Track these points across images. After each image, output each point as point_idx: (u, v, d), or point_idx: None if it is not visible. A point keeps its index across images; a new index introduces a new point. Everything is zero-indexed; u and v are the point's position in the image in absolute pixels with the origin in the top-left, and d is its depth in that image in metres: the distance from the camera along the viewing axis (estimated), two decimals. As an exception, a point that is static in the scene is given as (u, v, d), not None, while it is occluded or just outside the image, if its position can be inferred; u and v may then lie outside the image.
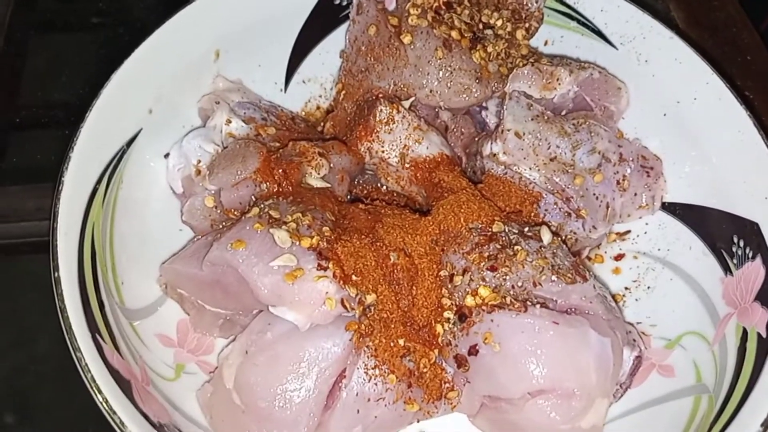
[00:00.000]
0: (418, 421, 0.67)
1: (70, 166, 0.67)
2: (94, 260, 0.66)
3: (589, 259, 0.82)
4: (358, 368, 0.64)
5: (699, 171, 0.79)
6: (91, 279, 0.64)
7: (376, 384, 0.64)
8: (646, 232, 0.82)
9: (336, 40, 0.89)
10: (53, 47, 1.06)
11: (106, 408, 0.56)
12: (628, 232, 0.83)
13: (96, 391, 0.56)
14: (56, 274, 0.61)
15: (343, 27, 0.88)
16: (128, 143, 0.74)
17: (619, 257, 0.82)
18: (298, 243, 0.64)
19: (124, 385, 0.59)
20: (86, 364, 0.57)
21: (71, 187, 0.66)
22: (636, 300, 0.79)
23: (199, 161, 0.75)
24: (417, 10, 0.78)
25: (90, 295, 0.63)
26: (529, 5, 0.84)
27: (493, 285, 0.64)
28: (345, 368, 0.64)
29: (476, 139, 0.83)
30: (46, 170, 0.93)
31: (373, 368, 0.64)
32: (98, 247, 0.67)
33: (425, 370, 0.65)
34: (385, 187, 0.82)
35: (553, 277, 0.64)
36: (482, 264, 0.65)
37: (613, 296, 0.78)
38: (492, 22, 0.81)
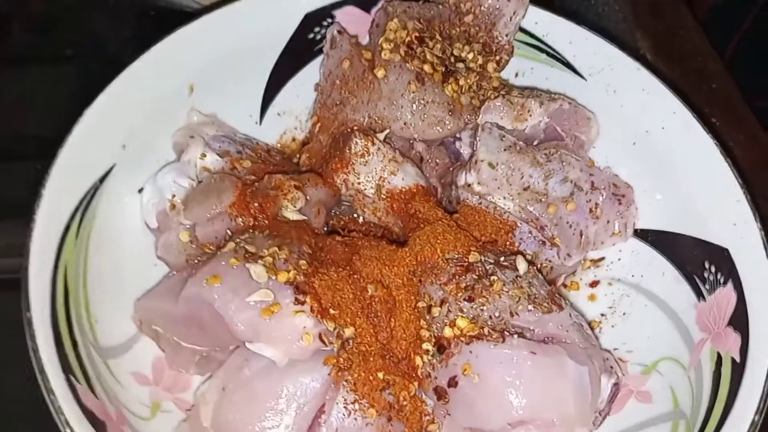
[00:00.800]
0: (399, 455, 0.67)
1: (42, 203, 0.66)
2: (67, 298, 0.65)
3: (565, 286, 0.83)
4: (337, 403, 0.63)
5: (669, 198, 0.81)
6: (64, 318, 0.63)
7: (355, 419, 0.63)
8: (619, 259, 0.83)
9: (310, 73, 0.90)
10: (26, 80, 1.05)
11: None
12: (602, 259, 0.84)
13: (69, 434, 0.55)
14: (28, 315, 0.60)
15: (318, 60, 0.89)
16: (101, 179, 0.73)
17: (594, 284, 0.83)
18: (274, 277, 0.64)
19: (99, 426, 0.58)
20: (59, 406, 0.56)
21: (43, 224, 0.65)
22: (612, 326, 0.80)
23: (174, 196, 0.75)
24: (390, 44, 0.79)
25: (63, 334, 0.62)
26: (500, 38, 0.85)
27: (471, 316, 0.65)
28: (324, 403, 0.63)
29: (451, 169, 0.84)
30: (17, 205, 0.92)
31: (352, 402, 0.64)
32: (71, 285, 0.66)
33: (405, 403, 0.65)
34: (361, 219, 0.82)
35: (530, 307, 0.65)
36: (459, 295, 0.66)
37: (590, 323, 0.79)
38: (463, 55, 0.83)
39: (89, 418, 0.57)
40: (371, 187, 0.78)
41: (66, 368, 0.59)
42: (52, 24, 1.13)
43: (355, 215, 0.82)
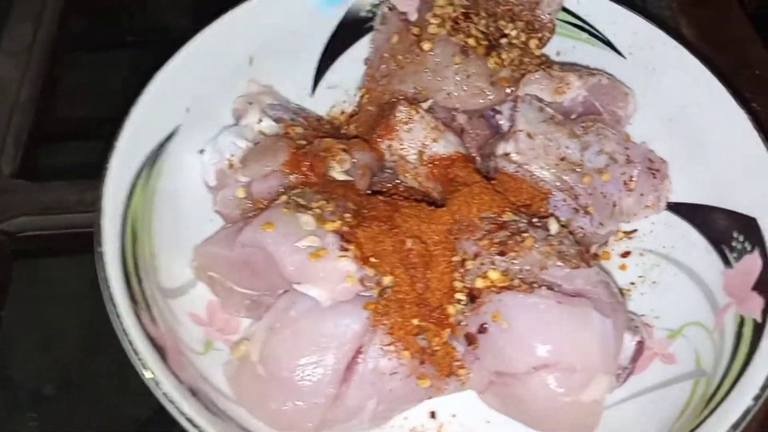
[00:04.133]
0: (429, 398, 0.71)
1: (115, 154, 0.73)
2: (135, 241, 0.72)
3: (597, 256, 0.86)
4: (374, 344, 0.68)
5: (703, 172, 0.83)
6: (131, 256, 0.70)
7: (390, 359, 0.68)
8: (652, 231, 0.86)
9: (359, 50, 0.95)
10: (89, 66, 1.13)
11: (144, 368, 0.61)
12: (635, 230, 0.87)
13: (135, 353, 0.62)
14: (100, 249, 0.67)
15: (366, 38, 0.95)
16: (167, 138, 0.80)
17: (625, 254, 0.86)
18: (321, 226, 0.69)
19: (160, 351, 0.64)
20: (126, 329, 0.62)
21: (116, 173, 0.72)
22: (641, 294, 0.82)
23: (233, 155, 0.81)
24: (437, 19, 0.84)
25: (130, 270, 0.68)
26: (542, 17, 0.89)
27: (502, 268, 0.69)
28: (362, 344, 0.68)
29: (490, 141, 0.88)
30: (85, 169, 1.00)
31: (388, 345, 0.68)
32: (138, 230, 0.73)
33: (437, 348, 0.70)
34: (403, 185, 0.87)
35: (559, 263, 0.69)
36: (492, 249, 0.70)
37: (620, 290, 0.82)
38: (507, 32, 0.87)
39: (151, 342, 0.64)
40: (413, 153, 0.83)
41: (132, 298, 0.66)
42: (113, 12, 1.21)
43: (397, 181, 0.87)
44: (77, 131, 1.08)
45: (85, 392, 0.82)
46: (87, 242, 0.90)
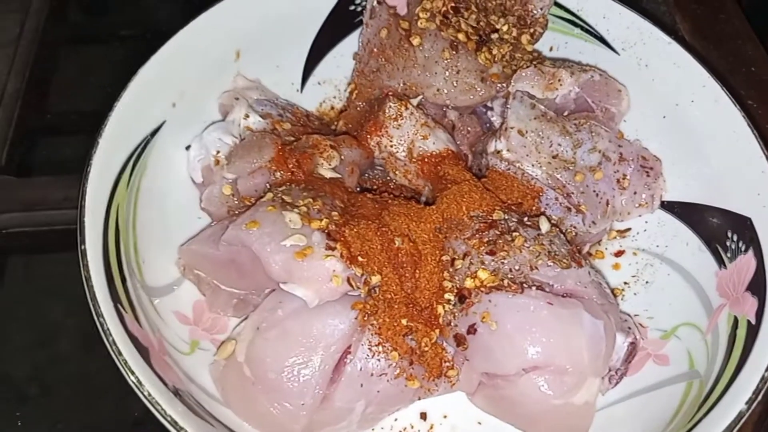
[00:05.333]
0: (419, 399, 0.70)
1: (98, 150, 0.72)
2: (118, 238, 0.70)
3: (590, 254, 0.85)
4: (362, 345, 0.67)
5: (696, 170, 0.82)
6: (114, 254, 0.68)
7: (379, 360, 0.67)
8: (645, 230, 0.85)
9: (350, 45, 0.94)
10: (82, 59, 1.11)
11: (126, 369, 0.60)
12: (629, 229, 0.86)
13: (116, 354, 0.60)
14: (83, 246, 0.65)
15: (357, 32, 0.93)
16: (152, 133, 0.79)
17: (619, 253, 0.85)
18: (308, 224, 0.68)
19: (142, 351, 0.63)
20: (108, 329, 0.61)
21: (99, 169, 0.71)
22: (634, 294, 0.82)
23: (219, 152, 0.80)
24: (426, 13, 0.83)
25: (113, 268, 0.67)
26: (534, 12, 0.88)
27: (492, 268, 0.68)
28: (350, 345, 0.67)
29: (481, 138, 0.87)
30: (73, 165, 0.98)
31: (376, 345, 0.67)
32: (122, 227, 0.71)
33: (426, 348, 0.68)
34: (392, 182, 0.86)
35: (549, 262, 0.68)
36: (482, 248, 0.69)
37: (612, 290, 0.81)
38: (498, 27, 0.86)
39: (134, 343, 0.62)
40: (403, 150, 0.82)
41: (114, 297, 0.64)
42: (106, 6, 1.19)
43: (387, 179, 0.86)
44: (63, 126, 1.06)
45: (79, 389, 0.81)
46: (70, 240, 0.90)
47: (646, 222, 0.85)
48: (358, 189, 0.83)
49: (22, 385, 0.81)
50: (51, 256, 0.92)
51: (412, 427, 0.73)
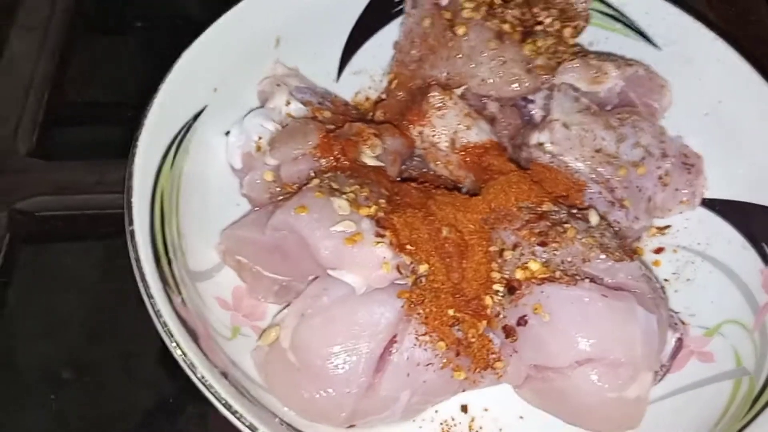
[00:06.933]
0: (464, 390, 0.69)
1: (143, 132, 0.71)
2: (163, 221, 0.69)
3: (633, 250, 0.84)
4: (409, 334, 0.66)
5: (738, 168, 0.82)
6: (160, 237, 0.67)
7: (425, 350, 0.66)
8: (686, 227, 0.84)
9: (388, 35, 0.93)
10: (98, 51, 1.09)
11: (179, 351, 0.59)
12: (668, 226, 0.85)
13: (168, 335, 0.59)
14: (131, 228, 0.64)
15: (394, 23, 0.92)
16: (195, 117, 0.78)
17: (659, 250, 0.84)
18: (356, 211, 0.67)
19: (191, 334, 0.62)
20: (159, 310, 0.60)
21: (144, 150, 0.70)
22: (675, 291, 0.81)
23: (260, 138, 0.79)
24: (471, 3, 0.82)
25: (160, 250, 0.66)
26: (577, 5, 0.87)
27: (543, 259, 0.67)
28: (396, 334, 0.66)
29: (522, 130, 0.86)
30: (104, 149, 0.97)
31: (423, 335, 0.66)
32: (166, 210, 0.70)
33: (473, 340, 0.68)
34: (431, 172, 0.85)
35: (602, 255, 0.67)
36: (533, 240, 0.68)
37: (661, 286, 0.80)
38: (541, 19, 0.85)
39: (183, 325, 0.61)
40: (445, 140, 0.81)
41: (163, 279, 0.63)
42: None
43: (424, 170, 0.85)
44: (93, 111, 1.05)
45: (90, 380, 0.80)
46: (102, 225, 0.89)
47: (687, 219, 0.85)
48: (399, 179, 0.82)
49: (37, 374, 0.80)
50: (76, 243, 0.91)
51: (453, 419, 0.72)
